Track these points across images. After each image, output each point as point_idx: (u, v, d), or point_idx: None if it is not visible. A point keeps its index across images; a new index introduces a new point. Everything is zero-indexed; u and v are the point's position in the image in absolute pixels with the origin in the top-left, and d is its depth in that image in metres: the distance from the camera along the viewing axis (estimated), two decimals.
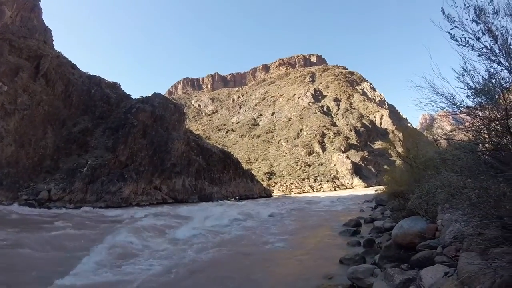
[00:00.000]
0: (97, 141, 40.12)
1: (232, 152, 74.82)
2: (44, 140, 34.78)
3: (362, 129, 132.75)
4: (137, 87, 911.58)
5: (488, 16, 2.56)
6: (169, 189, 43.44)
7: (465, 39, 2.74)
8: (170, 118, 48.21)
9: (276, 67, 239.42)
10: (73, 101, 41.12)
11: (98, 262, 7.84)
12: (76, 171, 34.67)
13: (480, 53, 2.74)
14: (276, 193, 79.56)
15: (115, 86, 52.32)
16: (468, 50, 2.79)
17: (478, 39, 2.69)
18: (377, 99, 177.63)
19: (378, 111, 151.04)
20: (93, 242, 10.20)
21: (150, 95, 50.39)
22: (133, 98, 51.87)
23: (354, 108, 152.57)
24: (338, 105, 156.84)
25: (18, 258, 8.24)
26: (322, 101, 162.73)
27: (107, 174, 36.38)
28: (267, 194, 68.66)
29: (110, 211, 25.97)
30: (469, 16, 2.68)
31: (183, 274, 6.98)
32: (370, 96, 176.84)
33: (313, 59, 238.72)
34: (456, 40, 2.78)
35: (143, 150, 41.65)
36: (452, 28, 2.78)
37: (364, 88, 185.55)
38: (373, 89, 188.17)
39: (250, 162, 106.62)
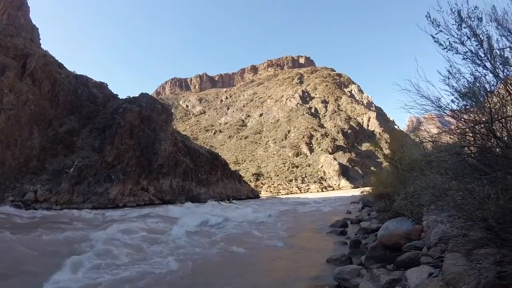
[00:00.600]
0: (83, 141, 39.55)
1: (219, 153, 74.58)
2: (30, 140, 34.13)
3: (349, 131, 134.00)
4: (124, 87, 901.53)
5: (474, 21, 2.60)
6: (157, 190, 43.04)
7: (449, 43, 2.77)
8: (157, 118, 47.82)
9: (265, 68, 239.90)
10: (60, 101, 40.43)
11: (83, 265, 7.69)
12: (63, 172, 34.11)
13: (465, 57, 2.78)
14: (263, 194, 79.60)
15: (102, 86, 51.63)
16: (452, 54, 2.82)
17: (462, 43, 2.73)
18: (365, 101, 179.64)
19: (366, 113, 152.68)
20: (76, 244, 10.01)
21: (137, 95, 49.92)
22: (120, 98, 51.38)
23: (341, 110, 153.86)
24: (326, 107, 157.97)
25: None
26: (310, 102, 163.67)
27: (93, 175, 35.87)
28: (255, 195, 68.64)
29: (96, 212, 25.55)
30: (455, 21, 2.72)
31: (169, 275, 6.90)
32: (357, 98, 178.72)
33: (302, 60, 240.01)
34: (440, 44, 2.81)
35: (130, 150, 41.18)
36: (437, 33, 2.81)
37: (352, 90, 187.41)
38: (360, 91, 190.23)
39: (238, 163, 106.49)
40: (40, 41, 48.35)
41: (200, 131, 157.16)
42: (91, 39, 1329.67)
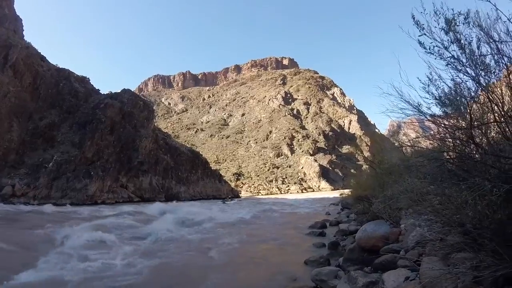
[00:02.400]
0: (63, 136, 38.64)
1: (200, 152, 74.02)
2: (9, 133, 33.10)
3: (330, 133, 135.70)
4: (106, 82, 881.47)
5: (458, 25, 2.61)
6: (136, 188, 42.36)
7: (433, 47, 2.79)
8: (139, 115, 47.11)
9: (248, 68, 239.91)
10: (41, 94, 39.33)
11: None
12: (41, 166, 33.29)
13: (449, 62, 2.80)
14: (243, 194, 79.55)
15: (84, 81, 50.38)
16: (435, 59, 2.84)
17: (446, 48, 2.74)
18: (347, 105, 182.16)
19: (347, 116, 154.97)
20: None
21: (119, 91, 49.02)
22: (102, 93, 50.31)
23: (323, 112, 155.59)
24: (308, 109, 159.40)
25: None
26: (292, 104, 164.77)
27: (72, 171, 35.05)
28: (235, 195, 68.50)
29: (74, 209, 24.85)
30: (438, 24, 2.73)
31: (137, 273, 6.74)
32: (340, 101, 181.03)
33: (285, 62, 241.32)
34: (425, 48, 2.82)
35: (110, 147, 40.40)
36: (421, 35, 2.82)
37: (334, 93, 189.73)
38: (343, 94, 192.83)
39: (219, 163, 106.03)
40: (24, 33, 46.86)
41: (181, 129, 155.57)
42: (74, 32, 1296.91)
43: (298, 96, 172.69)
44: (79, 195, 33.59)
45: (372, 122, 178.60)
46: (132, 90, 53.38)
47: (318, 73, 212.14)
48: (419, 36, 2.82)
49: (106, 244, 9.91)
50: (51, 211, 22.43)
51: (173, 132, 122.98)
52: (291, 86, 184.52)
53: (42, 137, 36.76)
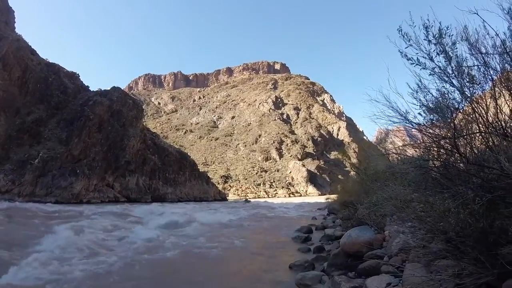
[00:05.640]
0: (50, 132, 38.10)
1: (189, 153, 73.71)
2: None
3: (319, 139, 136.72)
4: (96, 79, 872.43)
5: (444, 38, 2.67)
6: (122, 188, 41.86)
7: (417, 58, 2.83)
8: (127, 114, 46.68)
9: (240, 71, 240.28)
10: (29, 89, 38.74)
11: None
12: (27, 162, 32.77)
13: (432, 72, 2.85)
14: (231, 197, 79.39)
15: (73, 76, 49.75)
16: (420, 69, 2.88)
17: (431, 58, 2.79)
18: (336, 111, 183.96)
19: (336, 122, 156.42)
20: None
21: (109, 88, 48.51)
22: (92, 90, 49.73)
23: (313, 118, 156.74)
24: (297, 114, 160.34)
25: None
26: (283, 108, 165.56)
27: (58, 168, 34.53)
28: (222, 197, 68.28)
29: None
30: (426, 37, 2.77)
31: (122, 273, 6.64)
32: (329, 108, 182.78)
33: (277, 66, 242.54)
34: (409, 59, 2.87)
35: (97, 145, 39.91)
36: (407, 47, 2.86)
37: (324, 99, 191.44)
38: (333, 101, 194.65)
39: (207, 165, 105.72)
40: (15, 25, 46.04)
41: (170, 130, 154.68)
42: (65, 27, 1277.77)
43: (289, 101, 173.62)
44: (64, 193, 33.09)
45: (360, 129, 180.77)
46: (122, 88, 52.91)
47: (309, 79, 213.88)
48: (405, 47, 2.87)
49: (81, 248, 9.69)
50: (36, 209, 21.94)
51: (161, 133, 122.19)
52: (282, 91, 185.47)
53: (29, 133, 36.20)
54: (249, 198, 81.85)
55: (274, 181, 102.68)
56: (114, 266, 7.41)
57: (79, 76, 51.64)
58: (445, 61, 2.75)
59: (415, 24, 2.79)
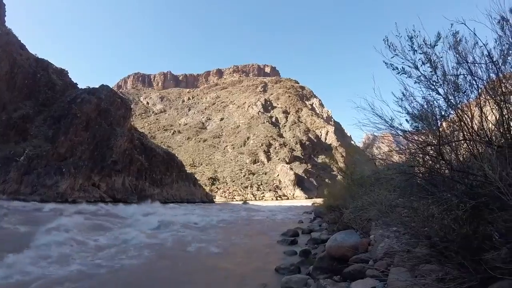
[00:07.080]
0: (37, 129, 37.46)
1: (176, 154, 73.13)
2: None
3: (307, 143, 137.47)
4: (85, 76, 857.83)
5: (429, 48, 2.72)
6: (108, 187, 41.30)
7: (402, 68, 2.88)
8: (115, 113, 46.18)
9: (230, 73, 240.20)
10: (17, 84, 38.08)
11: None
12: (12, 159, 32.13)
13: (417, 81, 2.90)
14: (218, 199, 79.09)
15: (62, 73, 49.05)
16: (406, 78, 2.94)
17: (416, 68, 2.84)
18: (325, 115, 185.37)
19: (324, 127, 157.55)
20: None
21: (97, 86, 47.84)
22: (80, 88, 49.11)
23: (301, 122, 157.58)
24: (286, 117, 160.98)
25: None
26: (272, 111, 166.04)
27: (44, 166, 33.95)
28: (209, 199, 67.91)
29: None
30: (411, 47, 2.83)
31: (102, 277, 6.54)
32: (318, 112, 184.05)
33: (267, 69, 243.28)
34: (394, 69, 2.92)
35: (84, 143, 39.36)
36: (393, 57, 2.91)
37: (313, 103, 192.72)
38: (321, 105, 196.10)
39: (194, 166, 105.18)
40: (5, 19, 45.07)
41: (158, 130, 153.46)
42: (57, 23, 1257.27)
43: (278, 104, 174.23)
44: (50, 192, 32.57)
45: (348, 134, 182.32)
46: (111, 87, 52.30)
47: (298, 83, 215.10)
48: (391, 57, 2.92)
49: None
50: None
51: (149, 133, 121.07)
52: (271, 94, 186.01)
53: (15, 129, 35.56)
54: (236, 200, 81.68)
55: (261, 184, 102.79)
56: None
57: (68, 73, 50.97)
58: (430, 71, 2.81)
59: (401, 35, 2.84)
